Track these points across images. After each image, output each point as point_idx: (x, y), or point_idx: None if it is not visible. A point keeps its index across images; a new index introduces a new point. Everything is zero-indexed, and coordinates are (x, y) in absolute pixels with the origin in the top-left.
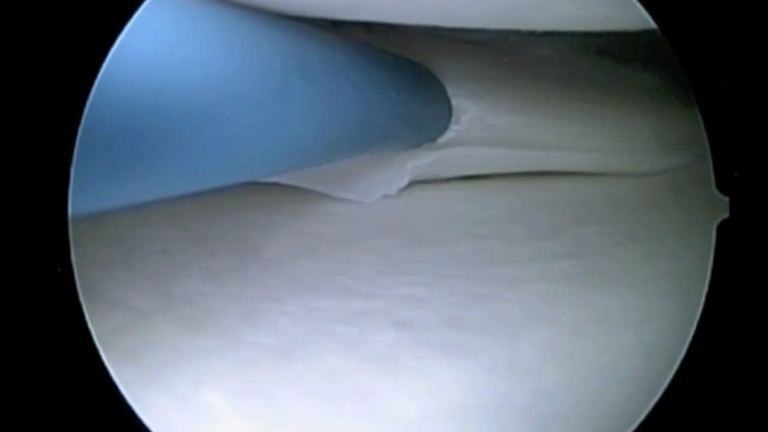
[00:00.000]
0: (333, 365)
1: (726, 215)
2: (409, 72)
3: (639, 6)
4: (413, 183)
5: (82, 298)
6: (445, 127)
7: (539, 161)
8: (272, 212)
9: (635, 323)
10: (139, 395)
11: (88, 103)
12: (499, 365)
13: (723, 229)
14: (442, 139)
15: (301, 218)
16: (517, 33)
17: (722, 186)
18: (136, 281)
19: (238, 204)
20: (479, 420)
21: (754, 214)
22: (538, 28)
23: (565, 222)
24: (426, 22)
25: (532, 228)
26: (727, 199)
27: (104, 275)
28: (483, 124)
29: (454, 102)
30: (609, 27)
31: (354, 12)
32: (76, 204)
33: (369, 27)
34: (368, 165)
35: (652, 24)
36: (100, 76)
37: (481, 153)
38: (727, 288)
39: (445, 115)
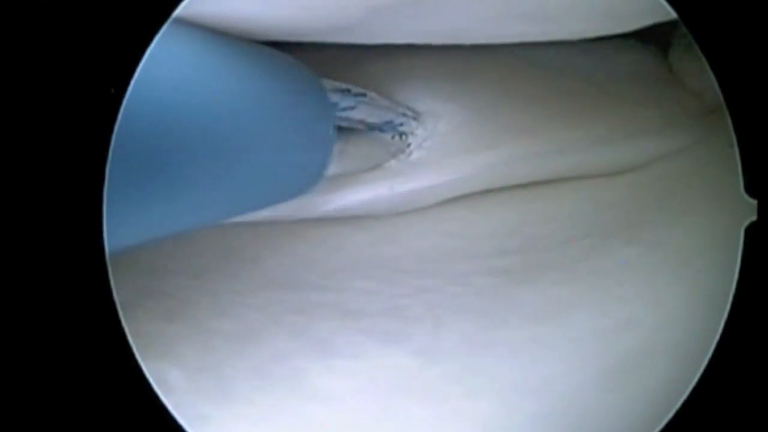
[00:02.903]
0: (278, 349)
1: (754, 218)
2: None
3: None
4: None
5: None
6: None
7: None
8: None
9: (555, 315)
10: None
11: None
12: (419, 350)
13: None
14: (418, 155)
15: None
16: None
17: (751, 189)
18: (125, 277)
19: None
20: (388, 397)
21: None
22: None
23: (525, 219)
24: (418, 40)
25: (496, 225)
26: (755, 202)
27: None
28: (461, 134)
29: (426, 111)
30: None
31: (343, 35)
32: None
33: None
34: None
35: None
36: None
37: (465, 167)
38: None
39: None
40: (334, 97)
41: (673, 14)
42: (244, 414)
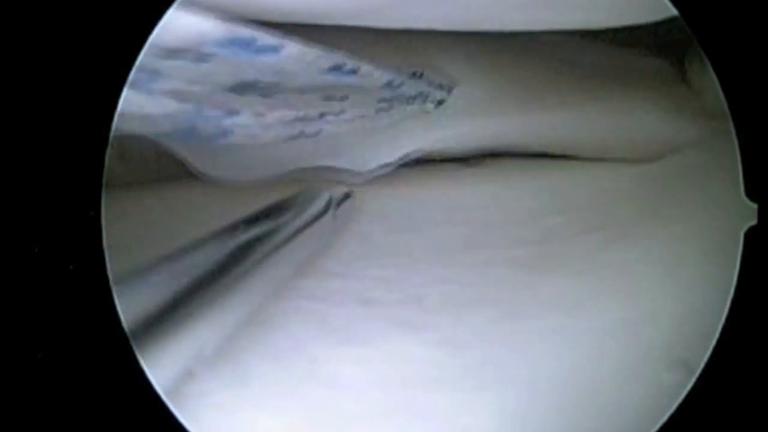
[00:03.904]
0: (297, 336)
1: (754, 222)
2: None
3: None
4: (410, 164)
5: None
6: None
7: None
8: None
9: (577, 306)
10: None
11: None
12: (439, 339)
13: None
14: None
15: None
16: None
17: (751, 193)
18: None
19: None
20: (409, 386)
21: None
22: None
23: (542, 210)
24: (438, 26)
25: (509, 215)
26: (755, 206)
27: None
28: (481, 99)
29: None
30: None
31: (367, 18)
32: None
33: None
34: (365, 135)
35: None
36: None
37: (481, 125)
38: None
39: None
40: (389, 76)
41: (673, 11)
42: (262, 402)
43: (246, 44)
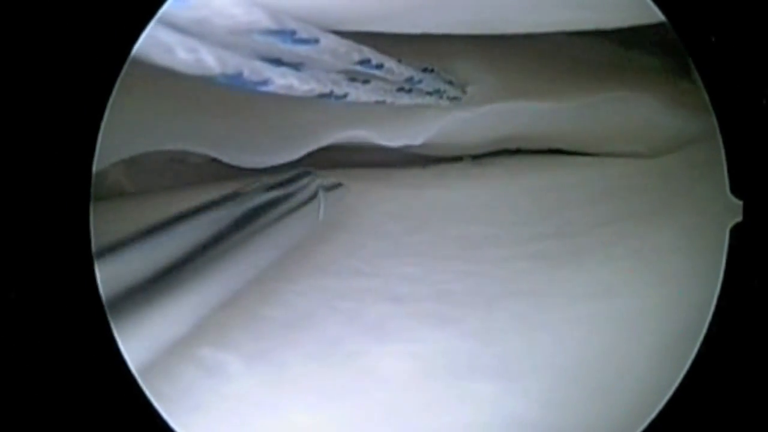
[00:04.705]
0: (332, 334)
1: (739, 218)
2: None
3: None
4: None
5: None
6: None
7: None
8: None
9: (601, 295)
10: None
11: None
12: (474, 332)
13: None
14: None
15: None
16: None
17: (736, 189)
18: None
19: None
20: (451, 377)
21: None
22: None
23: (556, 205)
24: (452, 30)
25: (525, 212)
26: (740, 203)
27: None
28: (492, 94)
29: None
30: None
31: (383, 24)
32: None
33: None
34: (399, 111)
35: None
36: None
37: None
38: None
39: None
40: (410, 72)
41: (660, 17)
42: (301, 400)
43: (288, 34)
